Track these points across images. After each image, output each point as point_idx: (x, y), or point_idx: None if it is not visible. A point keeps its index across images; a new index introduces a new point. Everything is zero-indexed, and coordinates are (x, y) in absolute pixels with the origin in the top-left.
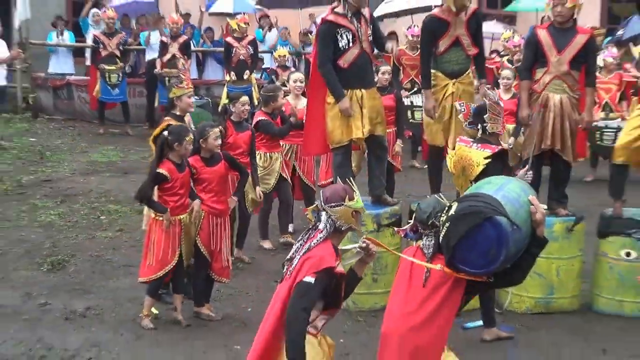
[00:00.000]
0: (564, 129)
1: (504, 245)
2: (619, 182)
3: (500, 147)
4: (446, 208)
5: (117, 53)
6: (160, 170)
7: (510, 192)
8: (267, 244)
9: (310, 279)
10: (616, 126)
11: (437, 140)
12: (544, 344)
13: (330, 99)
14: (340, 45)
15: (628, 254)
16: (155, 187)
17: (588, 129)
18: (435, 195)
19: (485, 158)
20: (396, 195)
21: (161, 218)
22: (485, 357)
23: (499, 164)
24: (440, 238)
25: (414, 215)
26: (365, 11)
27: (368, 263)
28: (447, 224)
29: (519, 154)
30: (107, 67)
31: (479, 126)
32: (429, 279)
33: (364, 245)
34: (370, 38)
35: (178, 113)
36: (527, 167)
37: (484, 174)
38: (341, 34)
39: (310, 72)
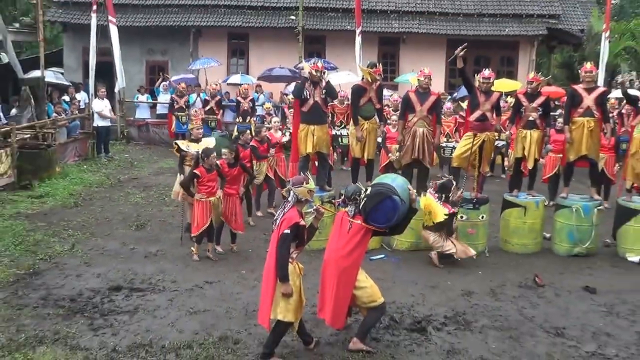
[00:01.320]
0: (424, 147)
1: (397, 212)
2: (456, 177)
3: (453, 209)
4: (363, 189)
5: (184, 106)
6: (196, 171)
7: (399, 182)
8: (259, 213)
9: (287, 230)
10: (452, 146)
11: (358, 155)
12: (416, 265)
13: (299, 130)
14: (303, 96)
15: (462, 217)
16: (195, 181)
17: (437, 147)
18: (356, 184)
19: (445, 215)
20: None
21: (199, 199)
22: (379, 270)
23: (451, 220)
24: (360, 206)
25: (344, 193)
26: (323, 82)
27: (319, 219)
28: (365, 199)
29: (400, 161)
30: (178, 114)
31: (442, 194)
32: (351, 229)
33: (316, 208)
34: (323, 95)
35: (192, 137)
36: (460, 190)
37: (441, 223)
38: (305, 92)
39: (293, 115)
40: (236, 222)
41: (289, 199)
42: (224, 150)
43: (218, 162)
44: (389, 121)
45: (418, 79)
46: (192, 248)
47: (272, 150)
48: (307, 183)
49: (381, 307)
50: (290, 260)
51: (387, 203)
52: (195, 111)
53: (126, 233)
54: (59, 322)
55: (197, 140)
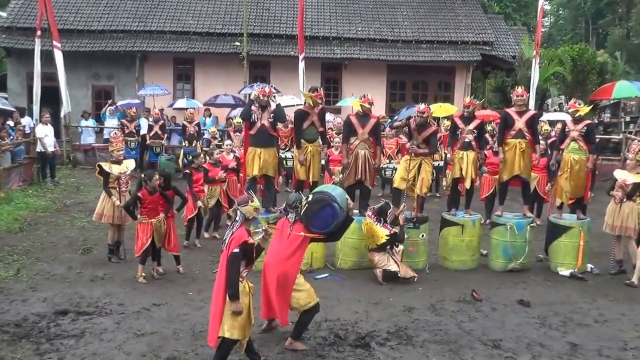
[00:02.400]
0: (366, 169)
1: (336, 219)
2: (397, 197)
3: (392, 230)
4: (304, 197)
5: (134, 131)
6: (139, 194)
7: (339, 192)
8: (206, 235)
9: (236, 249)
10: (393, 167)
11: (302, 177)
12: (358, 283)
13: (248, 152)
14: (252, 120)
15: (422, 235)
16: (137, 203)
17: (378, 169)
18: (298, 193)
19: (386, 235)
20: (278, 207)
21: (141, 220)
22: (325, 288)
23: (392, 239)
24: (301, 213)
25: (285, 201)
26: (272, 106)
27: (267, 240)
28: (306, 205)
29: (344, 183)
30: (128, 138)
31: (381, 217)
32: (291, 234)
33: (265, 229)
34: (271, 119)
35: (114, 159)
36: (400, 208)
37: (384, 243)
38: (253, 115)
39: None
40: (169, 243)
41: (237, 218)
42: (156, 176)
43: (156, 185)
44: (332, 144)
45: (362, 105)
46: (137, 272)
47: (221, 174)
48: (252, 201)
49: (316, 307)
50: (240, 279)
51: (327, 210)
52: (115, 133)
53: (72, 257)
54: (3, 347)
55: (119, 162)
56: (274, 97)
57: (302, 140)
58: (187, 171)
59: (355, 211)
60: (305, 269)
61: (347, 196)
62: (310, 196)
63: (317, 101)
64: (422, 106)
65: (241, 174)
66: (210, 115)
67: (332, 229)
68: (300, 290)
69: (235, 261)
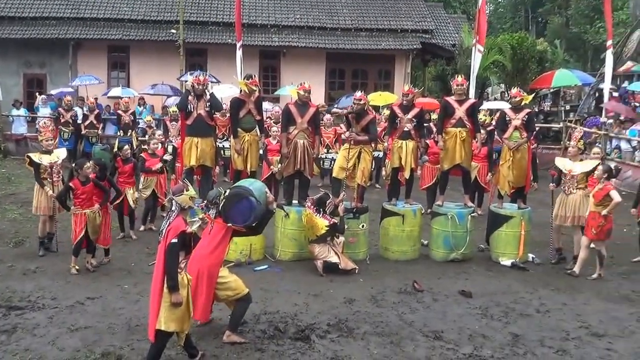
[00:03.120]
0: (305, 159)
1: (253, 212)
2: (337, 187)
3: (332, 220)
4: (223, 192)
5: (70, 120)
6: (70, 184)
7: (257, 186)
8: (142, 227)
9: (174, 240)
10: (332, 157)
11: (239, 167)
12: (298, 275)
13: (184, 142)
14: (188, 110)
15: (363, 226)
16: (70, 194)
17: (316, 158)
18: (219, 188)
19: (326, 226)
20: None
21: (74, 211)
22: (261, 280)
23: (332, 229)
24: (220, 208)
25: (206, 198)
26: (208, 95)
27: (203, 229)
28: (224, 200)
29: (283, 173)
30: (62, 128)
31: (320, 208)
32: (213, 230)
33: (202, 217)
34: (208, 108)
35: (44, 149)
36: (340, 196)
37: (324, 234)
38: (189, 104)
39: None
40: (102, 235)
41: (172, 208)
42: (87, 164)
43: (90, 175)
44: (270, 133)
45: (298, 92)
46: (71, 263)
47: (158, 165)
48: (187, 190)
49: (247, 297)
50: (178, 269)
51: (243, 203)
52: (45, 123)
53: (4, 250)
54: None
55: (49, 152)
56: (211, 85)
57: (239, 130)
58: (112, 162)
59: (295, 202)
60: (244, 260)
61: (266, 189)
62: (227, 191)
63: (253, 88)
64: (358, 93)
65: (178, 164)
66: (144, 104)
67: (251, 222)
68: (226, 282)
69: (173, 252)
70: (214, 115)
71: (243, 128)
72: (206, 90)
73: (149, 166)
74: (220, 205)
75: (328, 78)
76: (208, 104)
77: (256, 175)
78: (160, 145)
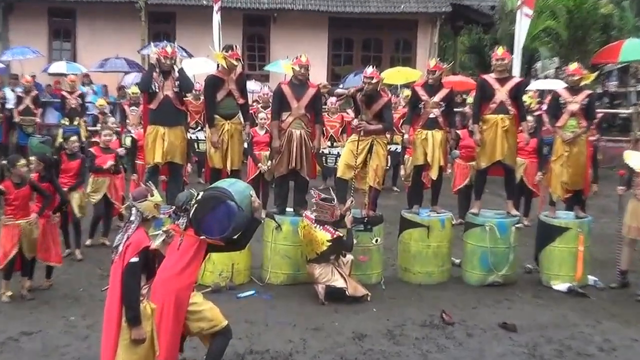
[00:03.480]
0: (302, 154)
1: (233, 220)
2: (342, 191)
3: (336, 233)
4: (197, 195)
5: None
6: (0, 186)
7: (238, 187)
8: (88, 242)
9: (134, 259)
10: (336, 152)
11: (217, 164)
12: (294, 303)
13: (147, 132)
14: (152, 90)
15: (377, 240)
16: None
17: (317, 153)
18: (190, 190)
19: (328, 241)
20: None
21: (5, 222)
22: (253, 316)
23: (337, 245)
24: (191, 214)
25: (175, 202)
26: (176, 72)
27: (169, 244)
28: (195, 205)
29: (273, 173)
30: None
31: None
32: (182, 244)
33: (166, 229)
34: (176, 88)
35: None
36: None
37: (326, 252)
38: (153, 83)
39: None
40: (47, 251)
41: (132, 218)
42: (21, 162)
43: (31, 176)
44: (257, 121)
45: (293, 69)
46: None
47: (110, 162)
48: (152, 195)
49: (226, 331)
50: (140, 297)
51: (221, 209)
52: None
53: None
54: None
55: None
56: (180, 59)
57: (217, 116)
58: (55, 157)
59: (289, 209)
60: (224, 284)
61: (251, 192)
62: (201, 193)
63: (233, 63)
64: (369, 70)
65: (139, 161)
66: (90, 83)
67: (230, 233)
68: (199, 310)
69: (133, 274)
70: (185, 98)
71: (222, 114)
72: (174, 66)
73: (99, 164)
74: (192, 212)
75: (331, 50)
76: (176, 83)
77: (239, 175)
78: (115, 136)
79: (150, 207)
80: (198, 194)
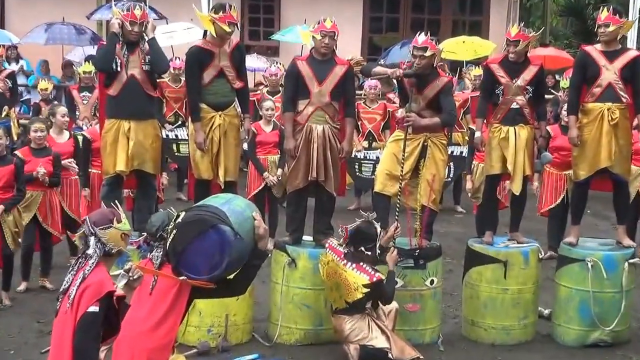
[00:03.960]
0: (327, 159)
1: (226, 252)
2: (382, 211)
3: (376, 275)
4: (175, 217)
5: None
6: None
7: (236, 206)
8: (22, 286)
9: (94, 308)
10: (375, 157)
11: (205, 174)
12: None
13: (103, 130)
14: (112, 69)
15: (395, 283)
16: None
17: (347, 159)
18: (167, 209)
19: (365, 286)
20: None
21: None
22: None
23: (377, 292)
24: (168, 243)
25: (147, 227)
26: (145, 44)
27: (135, 288)
28: (174, 231)
29: (286, 186)
30: None
31: (358, 250)
32: (156, 287)
33: (129, 268)
34: (147, 66)
35: None
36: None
37: (361, 300)
38: (117, 59)
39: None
40: None
41: (89, 251)
42: None
43: None
44: (260, 112)
45: (314, 38)
46: None
47: (41, 169)
48: (119, 221)
49: None
50: None
51: (209, 237)
52: None
53: None
54: None
55: None
56: (153, 26)
57: (203, 106)
58: None
59: (307, 238)
60: (214, 345)
61: (255, 212)
62: (182, 214)
63: (225, 29)
64: (421, 38)
65: (94, 170)
66: (17, 58)
67: (222, 271)
68: None
69: (92, 329)
70: (159, 80)
71: (211, 103)
72: (144, 35)
73: (28, 172)
74: (169, 241)
75: (368, 11)
76: (146, 58)
77: (236, 189)
78: (66, 132)
79: (116, 237)
80: (178, 215)
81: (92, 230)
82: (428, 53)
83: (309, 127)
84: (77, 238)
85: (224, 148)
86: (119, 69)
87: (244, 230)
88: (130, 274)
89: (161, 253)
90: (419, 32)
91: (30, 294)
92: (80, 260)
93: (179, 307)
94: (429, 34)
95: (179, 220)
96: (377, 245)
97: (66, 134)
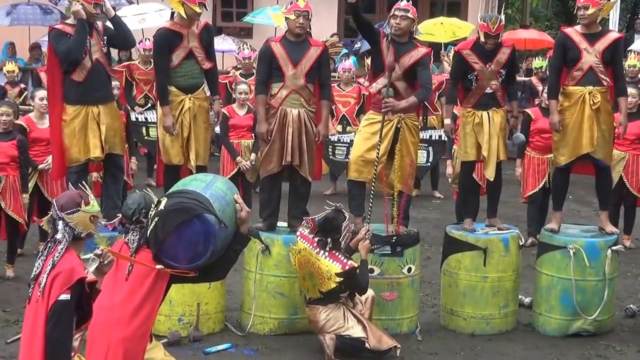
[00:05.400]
0: (302, 143)
1: (211, 242)
2: (357, 198)
3: (349, 263)
4: (154, 202)
5: None
6: None
7: (218, 190)
8: None
9: (65, 296)
10: (349, 140)
11: (175, 159)
12: None
13: (65, 116)
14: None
15: (371, 271)
16: None
17: (324, 143)
18: (143, 191)
19: (338, 275)
20: None
21: None
22: None
23: (350, 281)
24: (149, 232)
25: (122, 210)
26: (99, 24)
27: (106, 272)
28: (156, 219)
29: (259, 171)
30: None
31: (328, 239)
32: (132, 272)
33: (99, 252)
34: (105, 50)
35: None
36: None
37: (335, 289)
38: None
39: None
40: None
41: (58, 235)
42: None
43: None
44: (234, 95)
45: (287, 19)
46: None
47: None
48: (87, 204)
49: None
50: (71, 352)
51: (193, 227)
52: None
53: None
54: None
55: None
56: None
57: (172, 89)
58: None
59: (281, 225)
60: (186, 334)
61: (236, 195)
62: (164, 200)
63: (195, 10)
64: (404, 2)
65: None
66: None
67: (205, 260)
68: None
69: (64, 317)
70: (130, 62)
71: (180, 86)
72: (105, 14)
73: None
74: (150, 229)
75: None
76: (104, 40)
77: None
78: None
79: (85, 221)
80: (159, 202)
81: (59, 214)
82: (410, 14)
83: (284, 110)
84: (44, 222)
85: (194, 132)
86: (83, 55)
87: (227, 216)
88: (101, 259)
89: (137, 237)
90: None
91: None
92: (49, 245)
93: (156, 294)
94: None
95: (161, 207)
96: (345, 232)
97: (46, 119)
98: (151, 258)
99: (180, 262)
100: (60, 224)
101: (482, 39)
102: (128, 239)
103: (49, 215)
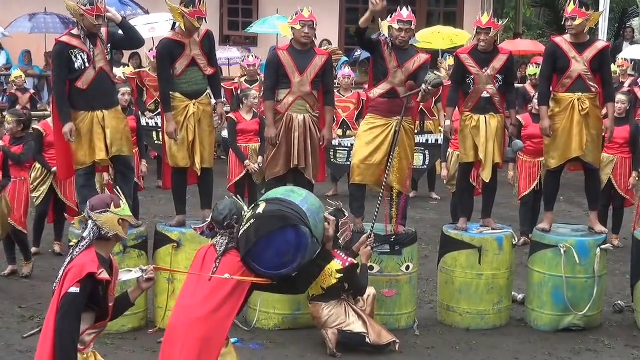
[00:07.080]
0: (307, 147)
1: (300, 253)
2: (358, 199)
3: (349, 260)
4: (246, 208)
5: None
6: None
7: (312, 206)
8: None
9: (74, 289)
10: (349, 144)
11: (181, 162)
12: (292, 355)
13: (75, 122)
14: (76, 66)
15: (371, 268)
16: None
17: (327, 147)
18: (233, 198)
19: (338, 271)
20: (142, 216)
21: None
22: None
23: (350, 278)
24: (241, 231)
25: (212, 214)
26: (102, 32)
27: (144, 290)
28: (252, 221)
29: (265, 173)
30: None
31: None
32: (217, 273)
33: (145, 267)
34: (109, 57)
35: None
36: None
37: (336, 286)
38: (75, 55)
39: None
40: None
41: (85, 234)
42: None
43: None
44: (245, 101)
45: (293, 29)
46: None
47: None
48: (117, 206)
49: None
50: (80, 345)
51: (287, 235)
52: None
53: None
54: None
55: None
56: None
57: (178, 95)
58: None
59: None
60: None
61: (327, 214)
62: (262, 205)
63: (194, 24)
64: (405, 12)
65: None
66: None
67: (292, 270)
68: None
69: (71, 310)
70: (141, 70)
71: (184, 92)
72: (105, 21)
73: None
74: (243, 229)
75: (345, 3)
76: (108, 47)
77: (211, 175)
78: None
79: (112, 222)
80: (257, 205)
81: (89, 214)
82: (413, 27)
83: (290, 116)
84: (76, 221)
85: (199, 135)
86: (86, 65)
87: (318, 233)
88: (144, 274)
89: (226, 241)
90: (400, 6)
91: (11, 280)
92: (78, 243)
93: (236, 298)
94: (409, 9)
95: (259, 211)
96: (344, 230)
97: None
98: (237, 261)
99: (266, 267)
100: (90, 223)
101: (475, 34)
102: (216, 242)
103: (81, 215)
